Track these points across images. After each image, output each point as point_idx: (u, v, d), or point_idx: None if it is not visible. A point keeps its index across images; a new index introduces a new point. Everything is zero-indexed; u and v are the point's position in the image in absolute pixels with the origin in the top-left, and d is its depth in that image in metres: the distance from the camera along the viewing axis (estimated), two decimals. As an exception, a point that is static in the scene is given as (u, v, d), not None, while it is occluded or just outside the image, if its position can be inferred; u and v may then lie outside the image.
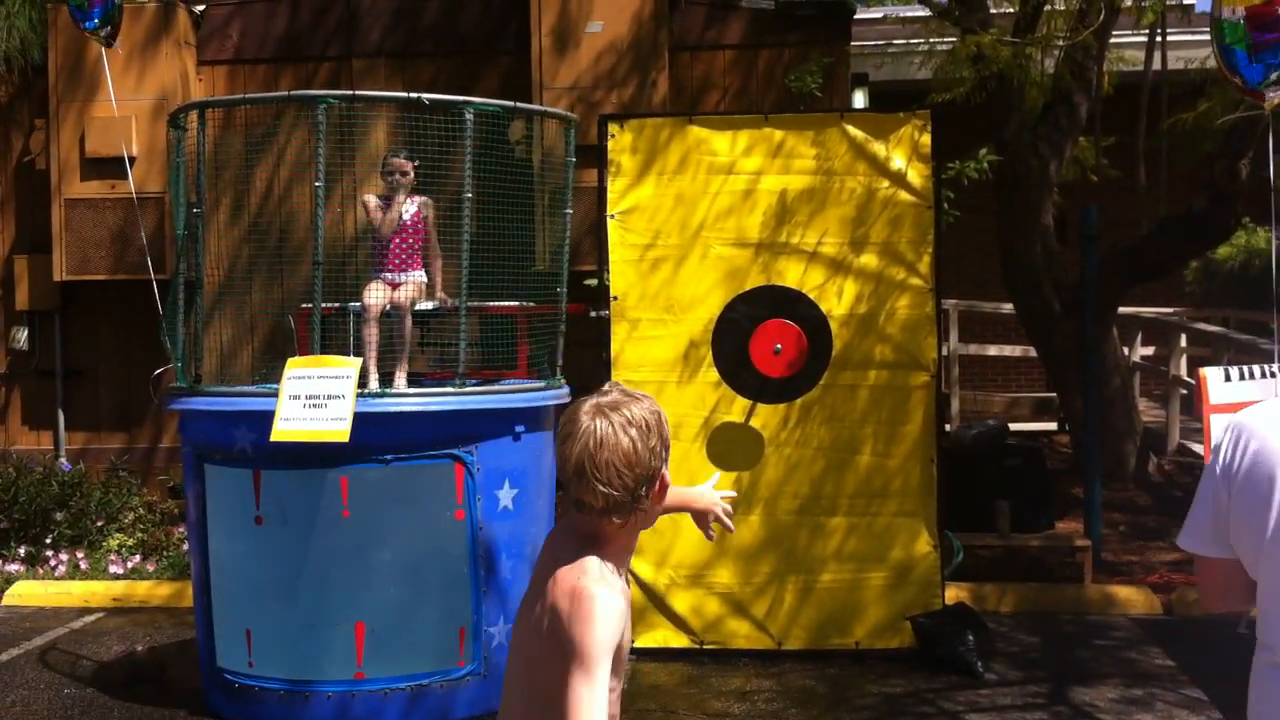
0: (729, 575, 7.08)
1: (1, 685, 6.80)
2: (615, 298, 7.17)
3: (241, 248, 8.03)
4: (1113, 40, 10.31)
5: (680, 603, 7.08)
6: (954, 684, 6.60)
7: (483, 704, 5.87)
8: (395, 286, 6.24)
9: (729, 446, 7.09)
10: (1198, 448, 11.23)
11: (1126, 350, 12.42)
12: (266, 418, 5.52)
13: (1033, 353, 11.91)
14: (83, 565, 9.02)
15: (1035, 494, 8.89)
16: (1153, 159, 11.06)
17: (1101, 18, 9.26)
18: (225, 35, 10.27)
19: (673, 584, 7.08)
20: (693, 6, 10.02)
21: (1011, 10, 10.50)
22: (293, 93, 6.92)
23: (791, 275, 7.10)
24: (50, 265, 10.01)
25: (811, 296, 7.07)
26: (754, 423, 7.09)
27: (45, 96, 10.08)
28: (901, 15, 12.56)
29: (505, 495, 5.92)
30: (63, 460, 10.19)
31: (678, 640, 7.00)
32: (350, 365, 5.60)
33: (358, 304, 6.21)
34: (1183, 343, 12.65)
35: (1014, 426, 10.89)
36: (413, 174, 6.23)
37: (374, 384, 5.95)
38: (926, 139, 7.07)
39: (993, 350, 14.57)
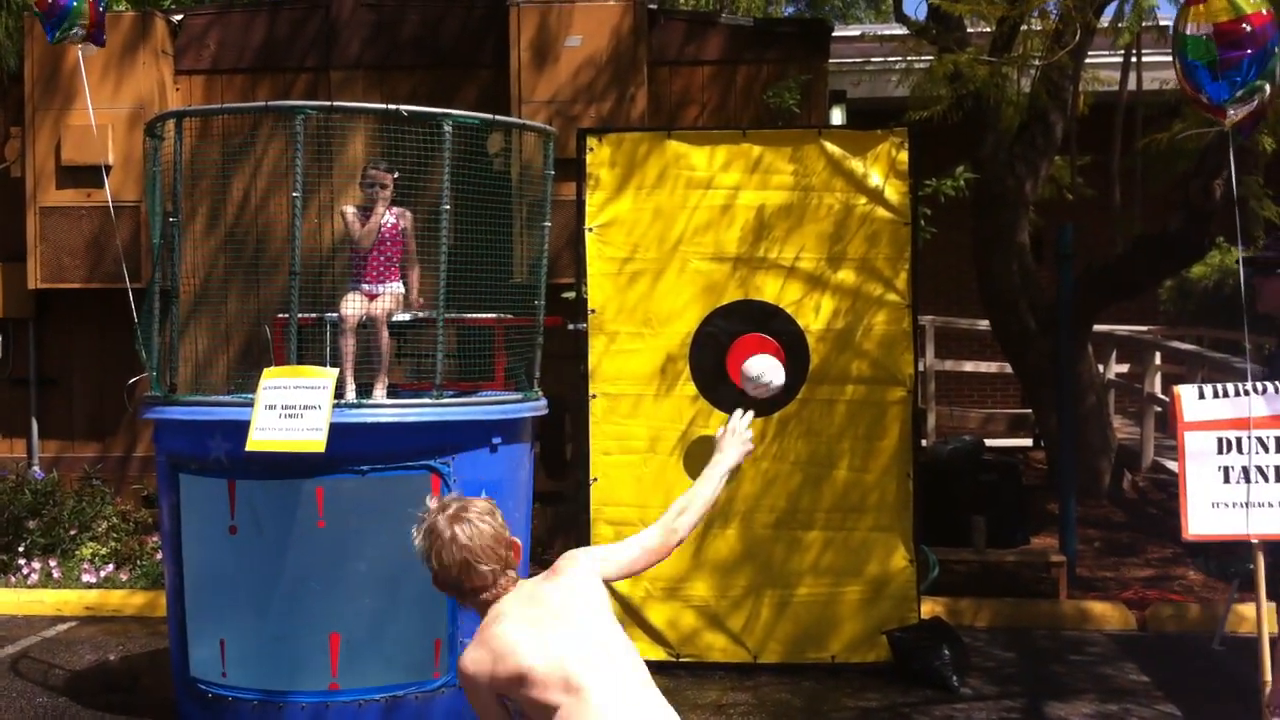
0: (705, 588, 7.08)
1: (-29, 695, 6.76)
2: (593, 310, 7.18)
3: (218, 257, 8.00)
4: (1088, 60, 10.38)
5: (656, 615, 7.08)
6: (930, 698, 6.61)
7: (457, 716, 5.84)
8: (373, 297, 6.22)
9: (705, 460, 7.07)
10: (1172, 465, 11.28)
11: (1101, 368, 12.48)
12: (242, 427, 5.49)
13: (1008, 369, 11.96)
14: (55, 574, 8.96)
15: (1011, 509, 8.92)
16: (1128, 178, 11.15)
17: (1077, 38, 9.32)
18: (203, 45, 10.25)
19: (649, 596, 7.08)
20: (671, 22, 10.05)
21: (988, 30, 10.56)
22: (271, 103, 6.89)
23: (769, 290, 7.12)
24: (25, 273, 9.96)
25: (789, 311, 7.09)
26: (731, 436, 7.09)
27: (21, 104, 10.04)
28: (879, 33, 12.63)
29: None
30: (36, 468, 10.13)
31: (653, 653, 6.99)
32: (327, 376, 5.58)
33: (335, 314, 6.20)
34: (1157, 360, 12.72)
35: (990, 442, 10.95)
36: (392, 185, 6.22)
37: (351, 395, 5.93)
38: (904, 156, 7.10)
39: (969, 366, 14.63)
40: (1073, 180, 10.92)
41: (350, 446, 5.56)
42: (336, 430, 5.43)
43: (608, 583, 3.49)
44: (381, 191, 6.20)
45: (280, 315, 6.23)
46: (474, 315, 6.38)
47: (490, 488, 5.91)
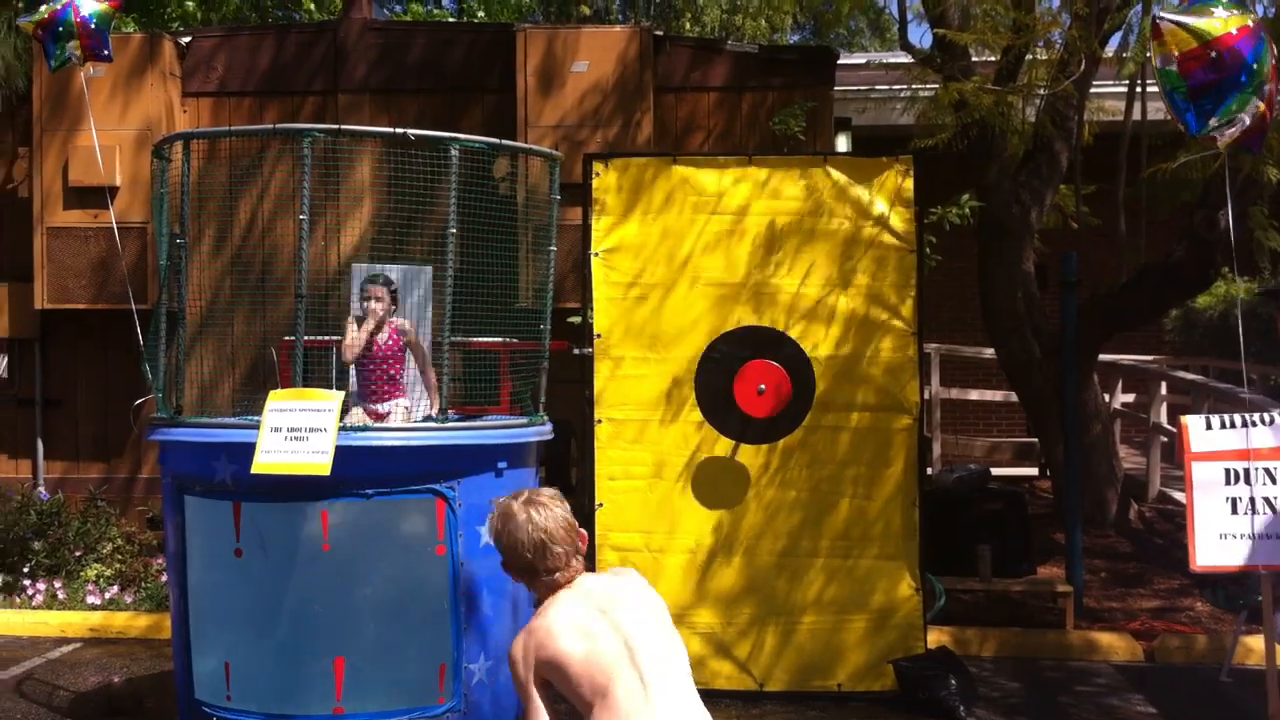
0: (711, 616, 7.05)
1: (-26, 716, 6.74)
2: (599, 335, 7.18)
3: (224, 279, 8.01)
4: (1093, 90, 10.40)
5: (660, 643, 7.04)
6: (934, 728, 6.58)
7: (460, 742, 5.82)
8: (380, 416, 6.26)
9: (713, 484, 7.08)
10: (1179, 495, 11.26)
11: (1107, 397, 12.46)
12: (248, 449, 5.48)
13: (1014, 397, 11.94)
14: (60, 595, 8.95)
15: (1017, 539, 8.90)
16: (1132, 208, 11.14)
17: (1082, 68, 9.34)
18: (210, 68, 10.28)
19: (652, 624, 7.04)
20: (677, 48, 10.08)
21: (993, 59, 10.58)
22: (278, 125, 6.90)
23: (775, 316, 7.11)
24: (31, 294, 9.97)
25: (795, 337, 7.09)
26: (737, 461, 7.09)
27: (29, 125, 10.07)
28: (885, 61, 12.65)
29: (487, 532, 5.87)
30: (41, 489, 10.13)
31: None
32: (332, 399, 5.57)
33: (339, 336, 6.19)
34: (1163, 390, 12.70)
35: (995, 471, 10.91)
36: (389, 300, 6.22)
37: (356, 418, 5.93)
38: (909, 184, 7.11)
39: (974, 395, 14.60)
40: (1077, 209, 10.91)
41: (355, 470, 5.55)
42: (342, 453, 5.41)
43: None
44: (374, 305, 6.21)
45: (286, 338, 6.22)
46: (480, 339, 6.37)
47: (495, 512, 5.88)
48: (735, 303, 7.14)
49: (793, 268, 7.13)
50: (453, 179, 5.85)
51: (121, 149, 9.75)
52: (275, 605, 5.66)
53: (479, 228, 6.03)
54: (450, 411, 6.09)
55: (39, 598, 8.93)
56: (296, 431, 5.48)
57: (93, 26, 7.03)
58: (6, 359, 10.37)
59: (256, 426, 5.55)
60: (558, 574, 3.51)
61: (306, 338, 5.89)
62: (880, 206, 7.10)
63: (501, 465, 5.97)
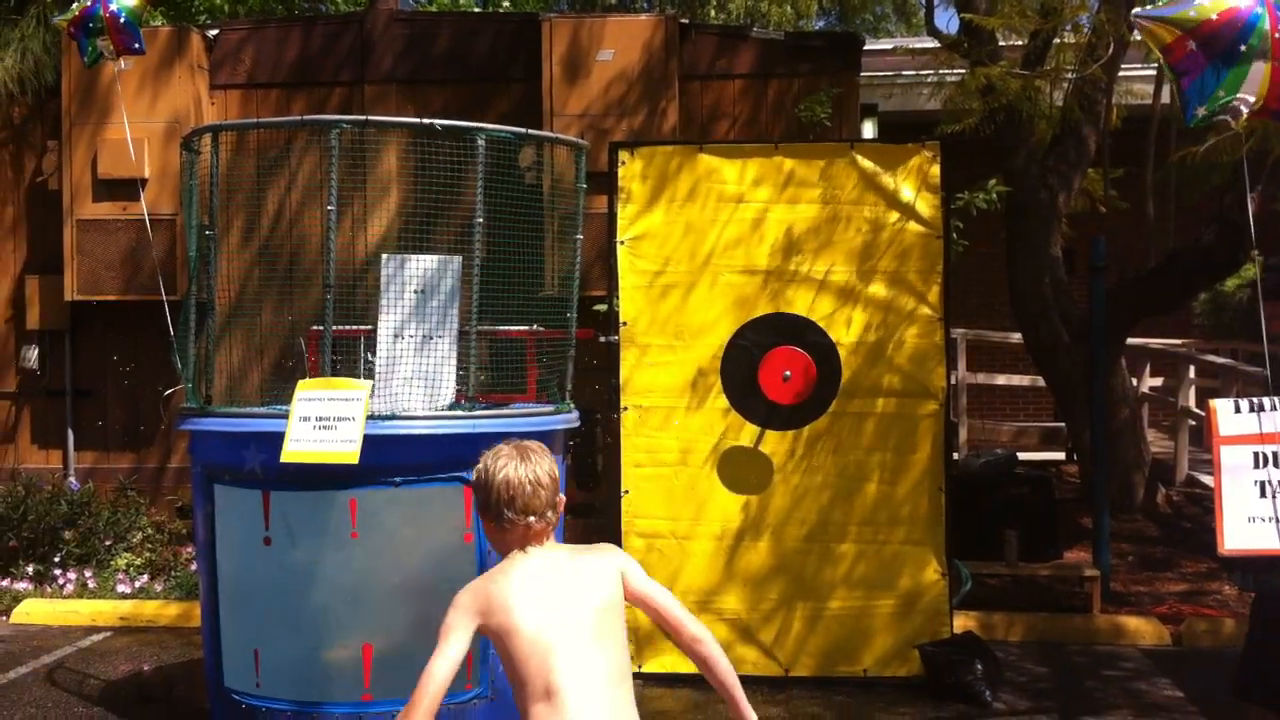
0: (737, 601, 7.08)
1: (9, 703, 6.81)
2: (625, 323, 7.20)
3: (253, 270, 8.06)
4: (1121, 74, 10.33)
5: (687, 629, 7.06)
6: (962, 713, 6.58)
7: (489, 728, 5.86)
8: None
9: (739, 470, 7.10)
10: (1207, 479, 11.22)
11: (1135, 381, 12.41)
12: (277, 439, 5.52)
13: (1041, 382, 11.90)
14: (90, 584, 9.03)
15: (1043, 523, 8.88)
16: (1161, 192, 11.08)
17: (1110, 51, 9.29)
18: (238, 60, 10.34)
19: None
20: (703, 36, 10.07)
21: (1021, 43, 10.54)
22: (306, 117, 6.94)
23: (800, 303, 7.12)
24: (61, 286, 10.06)
25: (820, 324, 7.09)
26: (763, 449, 7.11)
27: (59, 118, 10.15)
28: (911, 47, 12.59)
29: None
30: (71, 479, 10.22)
31: (685, 666, 6.97)
32: (360, 388, 5.61)
33: (369, 326, 6.22)
34: (1191, 374, 12.64)
35: (1022, 455, 10.90)
36: None
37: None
38: (935, 170, 7.09)
39: (1001, 380, 14.57)
40: (1106, 193, 10.86)
41: (383, 458, 5.58)
42: (370, 442, 5.45)
43: (627, 592, 3.52)
44: None
45: (314, 328, 6.26)
46: (506, 328, 6.40)
47: (522, 499, 5.91)
48: (761, 290, 7.15)
49: (819, 254, 7.13)
50: (479, 169, 5.87)
51: (150, 141, 9.82)
52: (304, 593, 5.70)
53: (505, 217, 6.05)
54: (477, 399, 6.11)
55: (69, 587, 9.02)
56: (325, 420, 5.52)
57: (122, 21, 7.07)
58: (37, 350, 10.47)
59: (285, 416, 5.58)
60: (524, 524, 3.44)
61: (334, 328, 5.93)
62: (907, 193, 7.09)
63: (528, 453, 5.99)
